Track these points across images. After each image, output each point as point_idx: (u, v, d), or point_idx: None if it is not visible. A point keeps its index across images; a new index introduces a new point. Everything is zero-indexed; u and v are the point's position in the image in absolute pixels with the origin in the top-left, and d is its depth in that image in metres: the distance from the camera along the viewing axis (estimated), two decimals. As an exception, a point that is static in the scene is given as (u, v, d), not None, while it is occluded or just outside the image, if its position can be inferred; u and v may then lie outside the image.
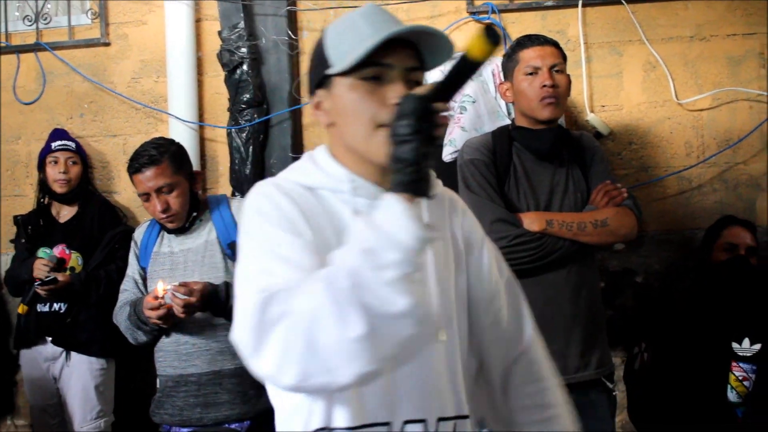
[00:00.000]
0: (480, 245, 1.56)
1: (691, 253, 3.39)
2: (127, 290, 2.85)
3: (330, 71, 1.37)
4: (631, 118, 3.50)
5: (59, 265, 3.42)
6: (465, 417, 1.45)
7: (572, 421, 1.59)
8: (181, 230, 2.79)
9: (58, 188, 3.61)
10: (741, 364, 2.83)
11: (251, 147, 3.58)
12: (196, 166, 3.55)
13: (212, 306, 2.62)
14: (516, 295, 1.61)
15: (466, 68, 1.24)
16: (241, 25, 3.59)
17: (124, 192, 3.88)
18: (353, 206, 1.37)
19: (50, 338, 3.50)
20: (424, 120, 1.19)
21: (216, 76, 3.74)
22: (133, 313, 2.72)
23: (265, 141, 3.62)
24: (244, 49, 3.57)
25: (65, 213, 3.66)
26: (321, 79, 1.40)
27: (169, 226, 2.78)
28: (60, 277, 3.34)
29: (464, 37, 3.46)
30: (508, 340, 1.57)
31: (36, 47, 3.94)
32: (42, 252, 3.43)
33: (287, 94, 3.63)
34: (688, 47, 3.51)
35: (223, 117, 3.70)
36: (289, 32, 3.63)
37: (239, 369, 2.64)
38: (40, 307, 3.48)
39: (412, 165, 1.18)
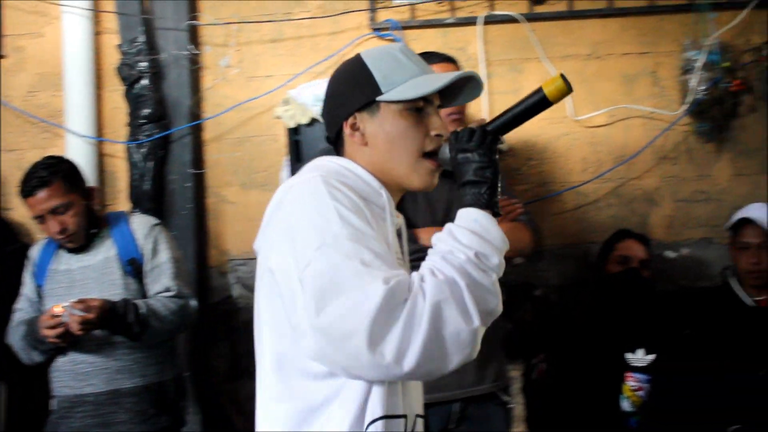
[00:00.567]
0: None
1: (588, 267, 3.46)
2: (22, 309, 2.80)
3: (383, 98, 1.49)
4: (529, 135, 3.55)
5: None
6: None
7: None
8: (79, 248, 2.75)
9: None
10: (635, 374, 2.88)
11: (151, 163, 3.51)
12: (94, 182, 3.48)
13: (110, 323, 2.58)
14: None
15: (540, 107, 1.47)
16: (141, 39, 3.53)
17: (20, 208, 3.73)
18: (382, 216, 1.47)
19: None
20: (496, 148, 1.47)
21: (115, 91, 3.65)
22: (29, 332, 2.67)
23: (165, 156, 3.56)
24: (144, 64, 3.52)
25: (-45, 232, 3.52)
26: (366, 103, 1.51)
27: (68, 246, 2.74)
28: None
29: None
30: None
31: (-72, 58, 3.78)
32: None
33: (188, 109, 3.58)
34: (584, 65, 3.59)
35: (123, 132, 3.62)
36: (190, 47, 3.59)
37: (138, 387, 2.62)
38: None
39: (493, 186, 1.43)
